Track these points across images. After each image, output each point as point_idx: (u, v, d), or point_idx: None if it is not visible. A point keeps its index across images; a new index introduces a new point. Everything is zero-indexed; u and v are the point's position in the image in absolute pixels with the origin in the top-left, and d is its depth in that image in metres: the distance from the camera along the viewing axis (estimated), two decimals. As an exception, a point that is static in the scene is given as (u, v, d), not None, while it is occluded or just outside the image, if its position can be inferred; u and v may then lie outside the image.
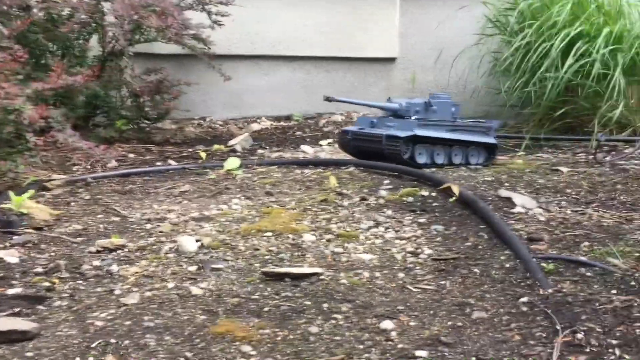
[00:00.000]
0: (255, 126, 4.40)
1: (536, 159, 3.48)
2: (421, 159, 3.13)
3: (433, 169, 3.11)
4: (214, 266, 1.97)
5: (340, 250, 2.13)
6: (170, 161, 3.52)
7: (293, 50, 4.56)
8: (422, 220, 2.37)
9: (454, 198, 2.51)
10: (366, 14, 4.48)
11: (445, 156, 3.21)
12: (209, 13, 4.08)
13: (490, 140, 3.31)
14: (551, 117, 3.87)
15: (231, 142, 3.87)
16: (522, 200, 2.53)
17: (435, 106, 3.23)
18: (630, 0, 3.78)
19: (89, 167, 3.42)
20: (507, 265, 1.97)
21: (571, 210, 2.48)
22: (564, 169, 3.14)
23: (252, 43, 4.57)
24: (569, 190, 2.77)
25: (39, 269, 1.99)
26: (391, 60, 4.55)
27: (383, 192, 2.66)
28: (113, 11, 3.65)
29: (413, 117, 3.15)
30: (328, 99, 3.17)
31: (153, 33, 4.12)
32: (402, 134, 3.06)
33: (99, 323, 1.62)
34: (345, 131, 3.30)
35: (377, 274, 1.95)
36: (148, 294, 1.79)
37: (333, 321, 1.64)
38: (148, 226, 2.37)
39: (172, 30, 3.69)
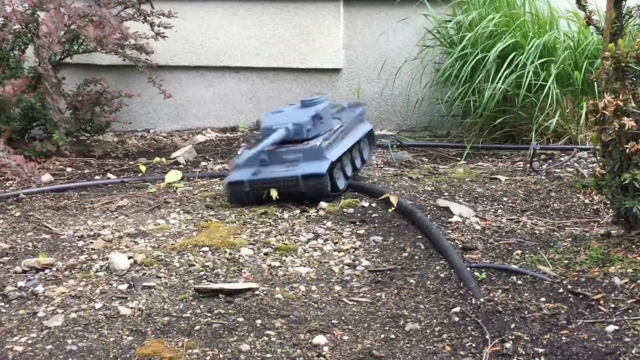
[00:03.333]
0: (200, 138, 4.34)
1: (476, 168, 3.54)
2: (341, 183, 2.72)
3: (368, 182, 2.85)
4: (145, 284, 1.92)
5: (277, 264, 2.11)
6: (110, 175, 3.43)
7: (238, 61, 4.53)
8: (361, 231, 2.38)
9: (393, 209, 2.53)
10: (311, 26, 4.49)
11: (351, 164, 2.82)
12: (152, 24, 4.01)
13: (369, 126, 2.96)
14: (491, 126, 3.95)
15: (174, 155, 3.80)
16: (460, 210, 2.56)
17: (323, 116, 2.73)
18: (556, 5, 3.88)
19: (23, 182, 3.30)
20: (442, 275, 1.98)
21: (506, 219, 2.53)
22: (502, 178, 3.20)
23: (196, 54, 4.52)
24: (505, 199, 2.82)
25: (-40, 292, 1.90)
26: (336, 71, 4.56)
27: (323, 204, 2.65)
28: (46, 20, 3.53)
29: (319, 142, 2.62)
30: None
31: (92, 44, 4.03)
32: (321, 168, 2.55)
33: (18, 348, 1.55)
34: (236, 182, 2.62)
35: (314, 288, 1.93)
36: (73, 315, 1.73)
37: (265, 338, 1.61)
38: (80, 243, 2.30)
39: (110, 39, 3.59)
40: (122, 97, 3.99)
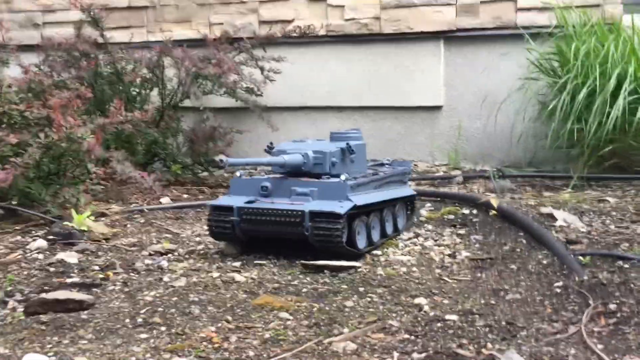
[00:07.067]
0: (304, 173, 4.55)
1: (584, 195, 3.46)
2: (361, 241, 2.06)
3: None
4: (257, 262, 2.07)
5: (379, 253, 2.19)
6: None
7: (341, 101, 4.76)
8: (461, 232, 2.41)
9: (494, 212, 2.55)
10: (412, 65, 4.66)
11: (380, 227, 2.20)
12: (262, 69, 4.35)
13: (410, 191, 2.42)
14: (599, 156, 3.85)
15: (280, 184, 4.02)
16: (564, 215, 2.53)
17: (355, 153, 2.16)
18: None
19: (145, 203, 3.62)
20: (544, 262, 1.98)
21: (614, 226, 2.47)
22: (611, 200, 3.11)
23: (302, 95, 4.80)
24: (614, 213, 2.75)
25: (96, 267, 2.13)
26: (437, 108, 4.67)
27: (423, 212, 2.72)
28: (176, 61, 3.96)
29: (343, 177, 2.04)
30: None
31: (209, 86, 4.42)
32: (340, 207, 1.93)
33: (148, 299, 1.73)
34: (221, 207, 2.05)
35: (414, 269, 1.99)
36: (194, 279, 1.90)
37: (368, 299, 1.69)
38: (197, 239, 2.51)
39: (228, 76, 3.95)
40: (233, 132, 4.32)
